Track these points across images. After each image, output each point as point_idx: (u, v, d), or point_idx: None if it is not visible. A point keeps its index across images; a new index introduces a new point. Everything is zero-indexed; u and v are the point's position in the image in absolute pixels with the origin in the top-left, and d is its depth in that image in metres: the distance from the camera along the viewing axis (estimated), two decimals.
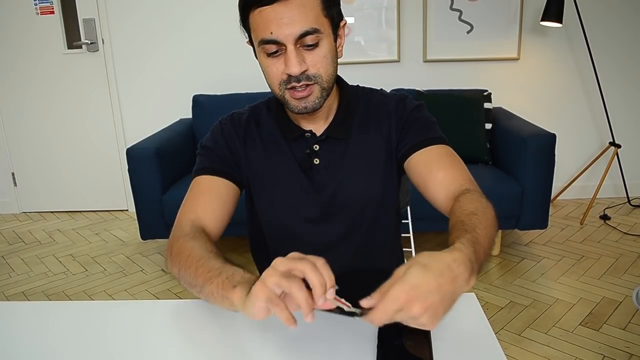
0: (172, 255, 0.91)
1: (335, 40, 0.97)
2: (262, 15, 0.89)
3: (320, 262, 0.67)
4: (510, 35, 3.16)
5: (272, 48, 0.91)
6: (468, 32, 3.16)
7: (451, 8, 3.13)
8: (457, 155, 1.03)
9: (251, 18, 0.92)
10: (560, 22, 2.88)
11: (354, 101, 1.08)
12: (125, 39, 3.27)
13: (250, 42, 0.98)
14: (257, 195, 1.08)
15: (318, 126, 1.06)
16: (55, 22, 3.25)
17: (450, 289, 0.62)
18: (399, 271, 0.64)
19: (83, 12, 3.22)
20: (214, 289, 0.78)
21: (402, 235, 1.28)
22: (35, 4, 3.22)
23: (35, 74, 3.35)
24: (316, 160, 1.05)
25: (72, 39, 3.30)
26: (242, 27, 0.97)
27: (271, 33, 0.89)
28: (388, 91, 1.13)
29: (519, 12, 3.11)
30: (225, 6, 3.14)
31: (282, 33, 0.89)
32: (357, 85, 1.12)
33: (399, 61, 3.23)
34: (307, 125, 1.05)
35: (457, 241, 0.72)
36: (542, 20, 2.93)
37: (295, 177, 1.05)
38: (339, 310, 0.67)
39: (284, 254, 1.03)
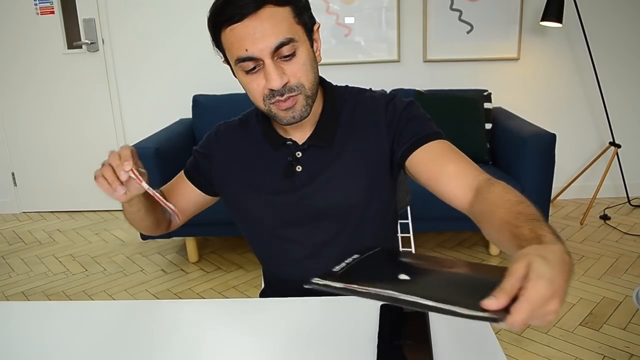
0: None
1: (312, 46, 0.95)
2: (234, 33, 0.88)
3: (123, 147, 0.89)
4: (510, 35, 3.16)
5: (250, 65, 0.89)
6: (468, 32, 3.16)
7: (451, 8, 3.13)
8: (458, 150, 1.01)
9: (223, 37, 0.91)
10: (560, 22, 2.88)
11: (339, 104, 1.06)
12: (126, 39, 3.27)
13: (227, 61, 0.97)
14: (244, 202, 1.09)
15: (303, 133, 1.04)
16: (56, 22, 3.25)
17: (569, 279, 0.60)
18: (518, 268, 0.58)
19: (83, 12, 3.22)
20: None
21: (402, 235, 1.28)
22: (36, 4, 3.22)
23: (35, 74, 3.35)
24: (298, 168, 1.04)
25: (72, 39, 3.30)
26: (215, 47, 0.96)
27: (246, 50, 0.87)
28: (377, 90, 1.11)
29: (518, 12, 3.11)
30: None
31: (256, 48, 0.87)
32: (346, 86, 1.10)
33: (399, 61, 3.23)
34: (291, 133, 1.04)
35: (540, 232, 0.69)
36: (542, 20, 2.93)
37: (279, 184, 1.04)
38: (462, 314, 0.58)
39: (279, 254, 1.13)
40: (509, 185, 0.85)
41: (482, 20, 3.13)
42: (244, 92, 0.96)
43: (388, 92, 3.17)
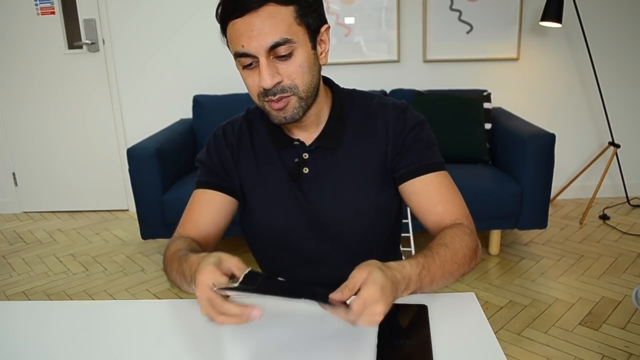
0: (164, 265, 1.01)
1: (315, 48, 0.94)
2: (235, 28, 0.89)
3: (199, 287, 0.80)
4: (509, 36, 3.16)
5: (247, 61, 0.90)
6: (468, 32, 3.16)
7: (451, 8, 3.13)
8: (453, 183, 1.03)
9: (228, 30, 0.91)
10: (560, 22, 2.88)
11: (348, 108, 1.05)
12: (126, 39, 3.27)
13: None
14: (251, 203, 1.07)
15: (309, 134, 1.04)
16: (56, 22, 3.25)
17: (395, 296, 0.78)
18: (361, 273, 0.74)
19: (83, 12, 3.23)
20: (186, 286, 0.91)
21: (402, 235, 1.27)
22: (36, 4, 3.23)
23: (35, 74, 3.35)
24: (305, 170, 1.03)
25: (73, 39, 3.30)
26: (222, 38, 0.96)
27: (242, 46, 0.88)
28: (387, 97, 1.09)
29: (518, 12, 3.11)
30: None
31: (252, 45, 0.87)
32: (353, 90, 1.09)
33: (398, 61, 3.24)
34: (296, 134, 1.04)
35: (411, 258, 0.87)
36: (542, 20, 2.93)
37: (285, 186, 1.03)
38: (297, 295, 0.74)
39: (280, 260, 1.13)
40: (465, 231, 0.96)
41: (481, 21, 3.13)
42: (244, 92, 0.97)
43: (382, 94, 3.17)
